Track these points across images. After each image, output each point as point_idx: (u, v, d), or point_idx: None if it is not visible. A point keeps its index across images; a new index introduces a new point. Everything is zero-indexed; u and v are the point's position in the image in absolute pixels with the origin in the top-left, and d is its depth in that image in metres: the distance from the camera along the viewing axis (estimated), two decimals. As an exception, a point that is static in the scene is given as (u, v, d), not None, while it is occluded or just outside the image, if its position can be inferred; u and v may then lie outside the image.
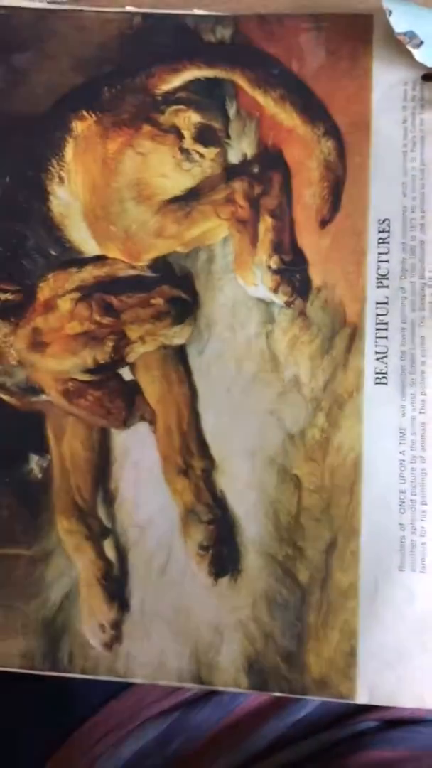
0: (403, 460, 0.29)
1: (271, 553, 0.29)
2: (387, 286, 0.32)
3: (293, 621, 0.28)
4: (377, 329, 0.32)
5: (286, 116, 0.37)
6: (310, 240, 0.34)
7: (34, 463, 0.30)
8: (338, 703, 0.27)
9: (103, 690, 0.35)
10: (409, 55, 0.36)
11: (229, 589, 0.28)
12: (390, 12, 0.35)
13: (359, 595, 0.28)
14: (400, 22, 0.35)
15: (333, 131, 0.36)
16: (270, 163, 0.36)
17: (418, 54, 0.36)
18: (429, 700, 0.27)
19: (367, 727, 0.36)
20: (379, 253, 0.33)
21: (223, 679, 0.28)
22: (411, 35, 0.37)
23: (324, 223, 0.34)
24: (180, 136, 0.36)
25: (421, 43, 0.37)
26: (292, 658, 0.28)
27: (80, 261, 0.33)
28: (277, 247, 0.34)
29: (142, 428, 0.31)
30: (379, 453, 0.30)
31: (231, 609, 0.28)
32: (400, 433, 0.30)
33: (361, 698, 0.27)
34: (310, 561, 0.29)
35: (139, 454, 0.30)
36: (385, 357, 0.31)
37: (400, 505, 0.29)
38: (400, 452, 0.29)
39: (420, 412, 0.30)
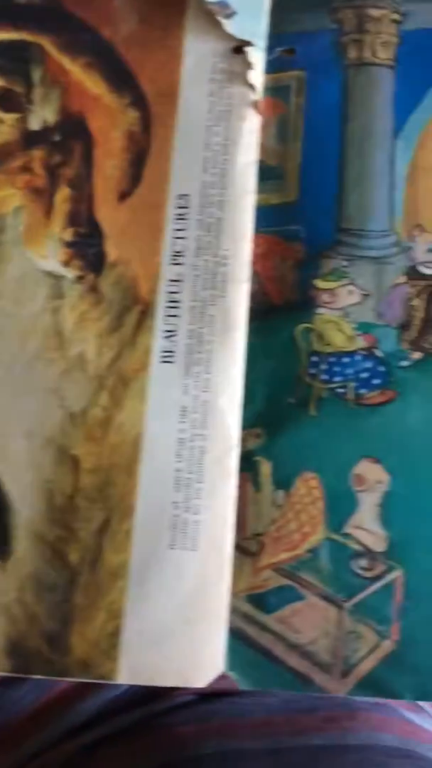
0: (183, 439, 0.29)
1: (42, 535, 0.28)
2: (181, 264, 0.32)
3: (60, 603, 0.28)
4: (168, 307, 0.31)
5: (92, 83, 0.35)
6: (108, 213, 0.33)
7: None
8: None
9: None
10: (222, 25, 0.36)
11: (-5, 572, 0.28)
12: (199, -20, 0.34)
13: (129, 574, 0.28)
14: (211, -9, 0.34)
15: (139, 101, 0.35)
16: (72, 132, 0.34)
17: (229, 25, 0.35)
18: (191, 679, 0.27)
19: (183, 701, 0.37)
20: (177, 230, 0.32)
21: (-17, 662, 0.27)
22: (223, 5, 0.36)
23: (123, 196, 0.33)
24: (-24, 100, 0.34)
25: (234, 13, 0.36)
26: (56, 640, 0.27)
27: None
28: (72, 219, 0.33)
29: None
30: (160, 431, 0.29)
31: (-5, 592, 0.27)
32: (182, 411, 0.30)
33: (122, 678, 0.27)
34: (82, 542, 0.28)
35: None
36: (174, 335, 0.31)
37: (176, 483, 0.29)
38: (181, 430, 0.29)
39: (203, 391, 0.30)
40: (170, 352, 0.30)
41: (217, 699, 0.36)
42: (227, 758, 0.34)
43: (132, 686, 0.37)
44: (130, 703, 0.38)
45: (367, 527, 0.28)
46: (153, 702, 0.37)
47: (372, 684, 0.27)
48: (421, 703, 0.38)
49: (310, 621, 0.27)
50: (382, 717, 0.35)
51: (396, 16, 0.35)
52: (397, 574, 0.27)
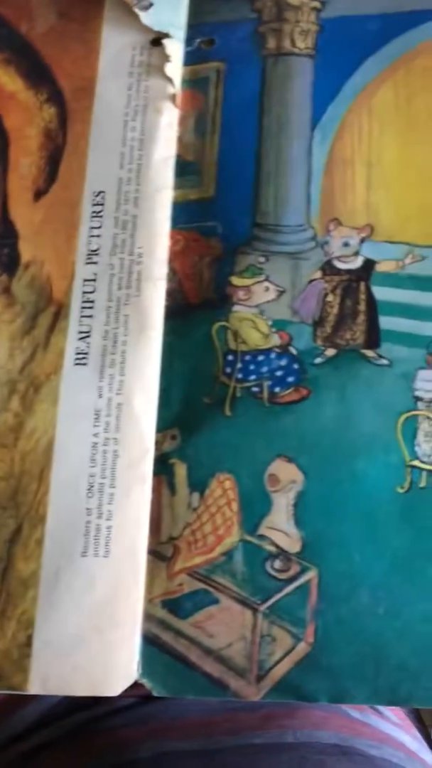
0: (96, 443, 0.28)
1: None
2: (96, 263, 0.31)
3: (-31, 614, 0.27)
4: (83, 307, 0.31)
5: (9, 80, 0.35)
6: (22, 212, 0.32)
7: None
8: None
9: None
10: (139, 17, 0.35)
11: None
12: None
13: (39, 583, 0.27)
14: (127, -18, 0.34)
15: (56, 97, 0.34)
16: (-14, 131, 0.34)
17: (146, 17, 0.35)
18: (103, 687, 0.26)
19: (125, 703, 0.36)
20: (92, 228, 0.32)
21: None
22: (140, -4, 0.35)
23: (39, 195, 0.33)
24: None
25: (151, 4, 0.35)
26: (-34, 651, 0.27)
27: None
28: (-15, 220, 0.32)
29: None
30: (73, 436, 0.29)
31: None
32: (95, 415, 0.29)
33: (33, 689, 0.26)
34: (-8, 551, 0.27)
35: None
36: (88, 337, 0.30)
37: (89, 488, 0.28)
38: (94, 435, 0.29)
39: (117, 393, 0.29)
40: (84, 354, 0.30)
41: (157, 700, 0.35)
42: (162, 760, 0.33)
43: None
44: (72, 706, 0.38)
45: (281, 528, 0.27)
46: (95, 705, 0.37)
47: (287, 687, 0.26)
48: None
49: (225, 625, 0.27)
50: (322, 714, 0.35)
51: (316, 4, 0.34)
52: (311, 575, 0.27)
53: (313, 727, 0.35)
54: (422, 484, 0.27)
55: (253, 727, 0.34)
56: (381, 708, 0.38)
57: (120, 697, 0.32)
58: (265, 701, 0.27)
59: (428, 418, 0.28)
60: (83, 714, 0.37)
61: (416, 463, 0.27)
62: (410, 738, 0.38)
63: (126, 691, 0.31)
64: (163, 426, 0.29)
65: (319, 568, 0.27)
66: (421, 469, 0.27)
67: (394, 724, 0.38)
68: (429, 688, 0.26)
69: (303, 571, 0.27)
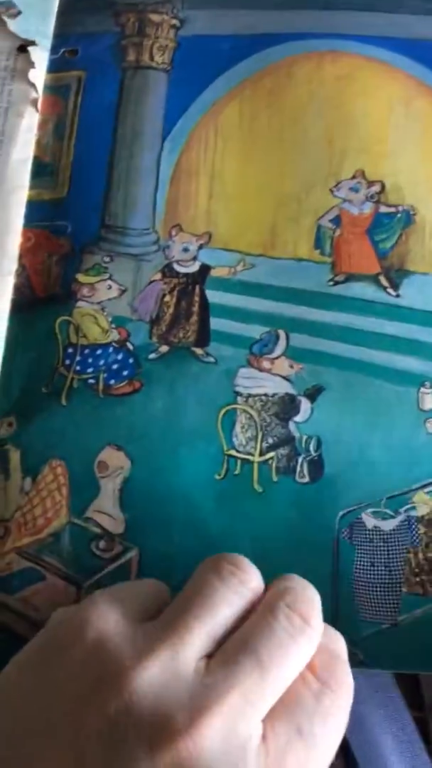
0: None
1: None
2: None
3: None
4: None
5: None
6: None
7: None
8: None
9: None
10: (6, 24, 0.36)
11: None
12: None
13: None
14: (-5, -10, 0.34)
15: None
16: None
17: (13, 24, 0.36)
18: None
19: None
20: None
21: None
22: (8, 5, 0.36)
23: None
24: None
25: (19, 13, 0.36)
26: None
27: None
28: None
29: None
30: None
31: None
32: None
33: None
34: None
35: None
36: None
37: None
38: None
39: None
40: None
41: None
42: None
43: None
44: None
45: (107, 511, 0.29)
46: None
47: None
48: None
49: (50, 600, 0.28)
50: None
51: (175, 22, 0.36)
52: (132, 554, 0.28)
53: None
54: (237, 471, 0.29)
55: None
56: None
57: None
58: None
59: (245, 411, 0.30)
60: None
61: (232, 452, 0.29)
62: None
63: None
64: (1, 413, 0.30)
65: (140, 548, 0.28)
66: (237, 458, 0.29)
67: None
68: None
69: (125, 550, 0.28)
